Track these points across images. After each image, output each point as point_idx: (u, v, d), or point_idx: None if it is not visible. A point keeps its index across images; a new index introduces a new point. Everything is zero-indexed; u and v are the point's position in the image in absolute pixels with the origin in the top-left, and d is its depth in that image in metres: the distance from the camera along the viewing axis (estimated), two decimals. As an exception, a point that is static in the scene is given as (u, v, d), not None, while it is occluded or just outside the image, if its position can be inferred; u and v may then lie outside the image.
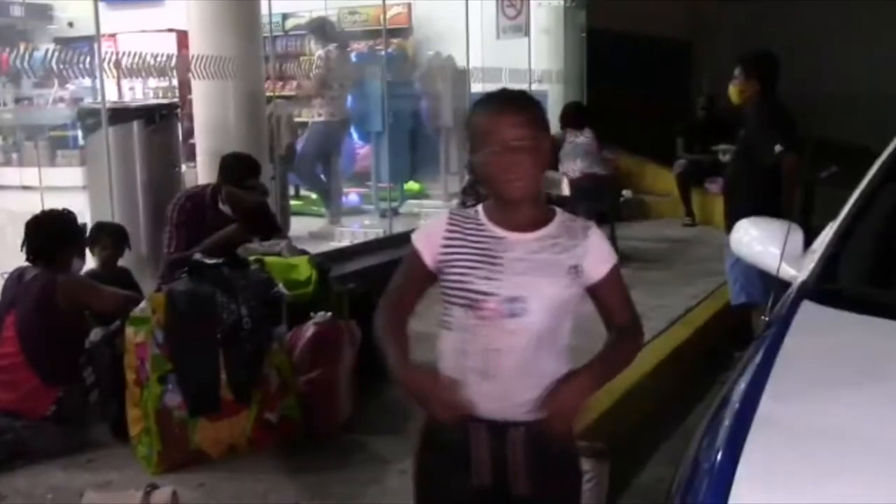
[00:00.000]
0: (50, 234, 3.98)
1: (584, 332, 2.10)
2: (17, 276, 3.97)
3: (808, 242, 2.91)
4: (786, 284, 2.70)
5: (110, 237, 4.65)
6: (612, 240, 7.80)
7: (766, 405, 1.91)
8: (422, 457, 2.14)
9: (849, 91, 12.12)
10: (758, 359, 2.19)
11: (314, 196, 8.62)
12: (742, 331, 4.70)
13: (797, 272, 2.68)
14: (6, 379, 3.86)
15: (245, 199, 4.67)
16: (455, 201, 7.53)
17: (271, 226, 5.02)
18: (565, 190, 7.53)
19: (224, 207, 4.68)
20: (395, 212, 8.43)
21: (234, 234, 4.60)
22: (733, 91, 4.96)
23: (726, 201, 5.13)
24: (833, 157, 5.94)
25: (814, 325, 2.33)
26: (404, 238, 8.03)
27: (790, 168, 4.60)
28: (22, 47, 5.62)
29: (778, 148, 4.62)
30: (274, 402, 3.79)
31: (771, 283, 2.75)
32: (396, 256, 7.80)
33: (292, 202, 8.42)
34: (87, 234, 4.42)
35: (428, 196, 9.53)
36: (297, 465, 3.64)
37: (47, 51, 5.42)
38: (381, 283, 2.14)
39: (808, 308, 2.39)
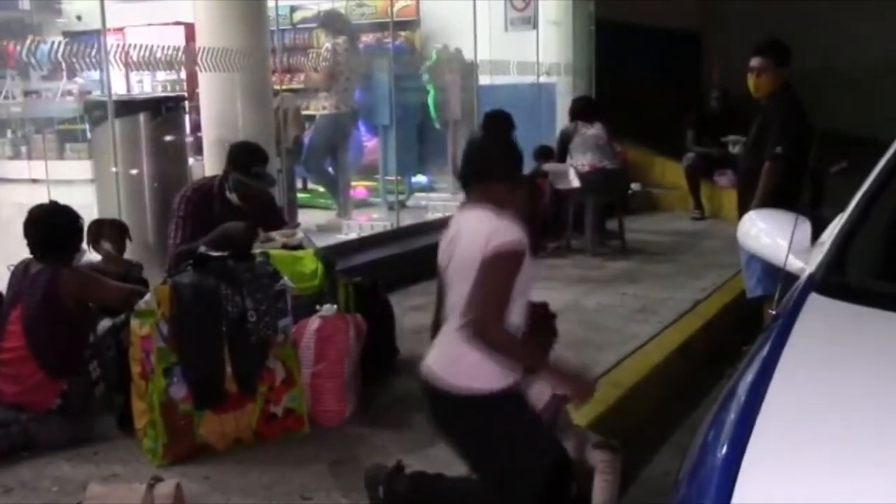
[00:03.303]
0: (52, 227, 3.96)
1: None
2: (22, 269, 3.97)
3: (815, 235, 2.88)
4: (794, 277, 2.67)
5: (113, 231, 4.64)
6: (621, 232, 7.77)
7: (772, 398, 1.88)
8: None
9: (860, 78, 12.03)
10: (764, 352, 2.17)
11: (321, 189, 8.61)
12: (752, 324, 4.66)
13: (805, 264, 2.65)
14: (11, 372, 3.87)
15: (253, 186, 4.66)
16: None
17: (278, 218, 5.01)
18: (574, 182, 7.49)
19: (232, 196, 4.66)
20: (402, 205, 8.41)
21: (243, 229, 4.58)
22: (760, 82, 4.69)
23: (740, 195, 5.03)
24: (843, 150, 5.87)
25: (821, 317, 2.31)
26: (411, 231, 8.00)
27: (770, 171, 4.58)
28: (28, 40, 5.61)
29: (778, 150, 4.56)
30: (279, 395, 3.79)
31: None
32: (404, 250, 7.76)
33: (300, 195, 8.42)
34: (87, 228, 4.40)
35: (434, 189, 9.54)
36: (302, 457, 3.63)
37: (53, 43, 5.42)
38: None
39: (815, 301, 2.37)
